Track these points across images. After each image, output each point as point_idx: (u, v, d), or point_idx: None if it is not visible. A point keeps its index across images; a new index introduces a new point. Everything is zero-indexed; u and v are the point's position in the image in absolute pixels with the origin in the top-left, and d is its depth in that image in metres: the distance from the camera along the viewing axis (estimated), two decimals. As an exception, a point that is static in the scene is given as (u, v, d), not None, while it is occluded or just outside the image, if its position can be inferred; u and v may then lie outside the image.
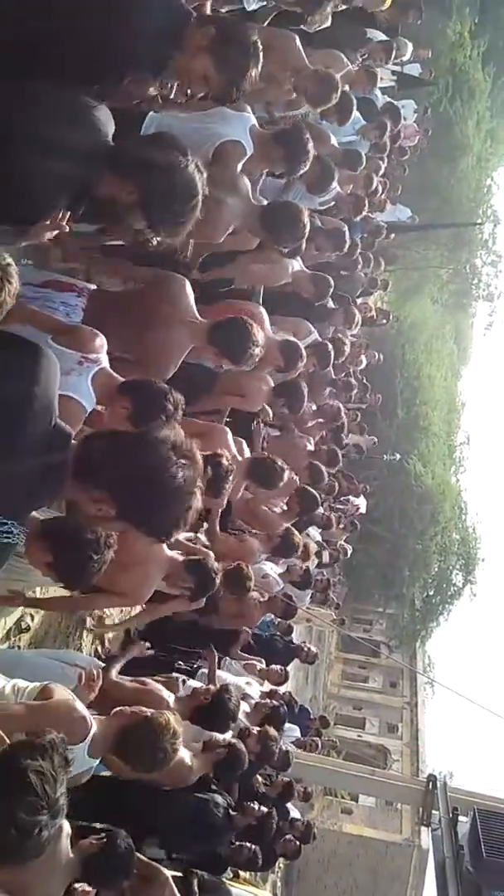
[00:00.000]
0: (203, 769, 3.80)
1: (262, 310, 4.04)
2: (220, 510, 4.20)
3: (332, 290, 5.08)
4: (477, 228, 23.66)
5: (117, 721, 2.75)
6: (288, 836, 5.81)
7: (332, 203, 5.74)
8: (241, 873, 5.72)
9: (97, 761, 2.68)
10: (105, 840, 2.88)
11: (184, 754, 3.55)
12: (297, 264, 4.61)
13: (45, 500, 1.73)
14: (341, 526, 9.83)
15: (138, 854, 3.76)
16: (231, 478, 3.57)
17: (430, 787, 7.59)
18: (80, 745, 2.48)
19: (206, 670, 4.95)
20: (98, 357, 2.43)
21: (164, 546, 3.49)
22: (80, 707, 2.51)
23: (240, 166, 3.32)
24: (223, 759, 3.85)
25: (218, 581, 3.67)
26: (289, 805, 5.98)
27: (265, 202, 4.10)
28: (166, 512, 1.69)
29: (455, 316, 31.38)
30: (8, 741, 1.96)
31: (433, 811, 7.30)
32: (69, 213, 1.84)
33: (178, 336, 3.01)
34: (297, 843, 5.82)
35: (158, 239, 1.99)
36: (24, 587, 3.78)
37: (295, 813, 6.17)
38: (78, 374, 2.31)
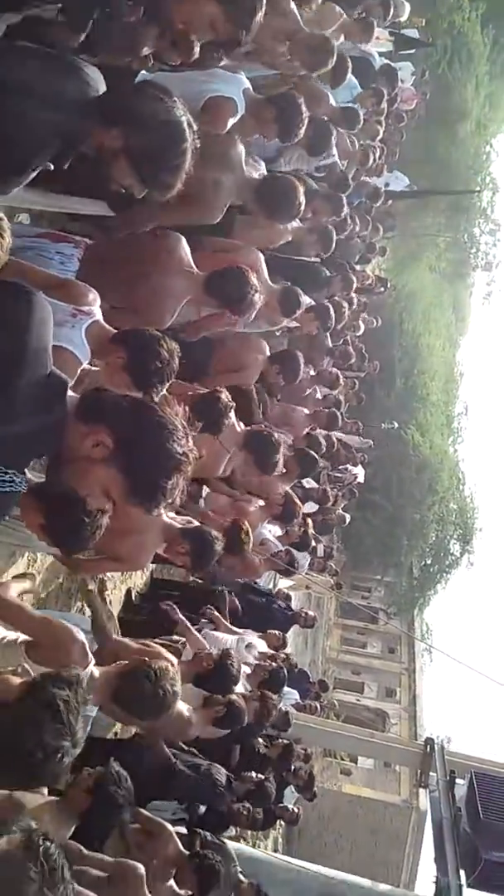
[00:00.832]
0: (203, 724, 3.82)
1: (260, 257, 3.99)
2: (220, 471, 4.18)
3: (334, 242, 5.00)
4: (475, 196, 23.38)
5: (117, 668, 2.78)
6: (286, 806, 5.97)
7: (334, 160, 5.65)
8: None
9: (97, 709, 2.68)
10: (95, 789, 2.95)
11: (183, 708, 3.61)
12: (295, 223, 4.56)
13: (44, 448, 1.71)
14: (340, 494, 9.88)
15: (142, 810, 3.87)
16: (231, 413, 3.54)
17: (428, 749, 7.73)
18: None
19: (208, 631, 5.01)
20: (91, 310, 2.40)
21: (163, 512, 3.50)
22: (80, 636, 2.57)
23: (230, 123, 3.26)
24: (223, 716, 3.89)
25: (218, 549, 3.66)
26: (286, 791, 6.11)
27: (261, 165, 4.06)
28: (159, 465, 1.68)
29: (453, 285, 31.15)
30: (33, 674, 2.03)
31: (431, 773, 7.45)
32: (54, 166, 1.80)
33: (174, 284, 2.98)
34: (296, 813, 6.00)
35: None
36: (27, 551, 3.83)
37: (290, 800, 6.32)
38: (71, 326, 2.28)
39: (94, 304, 2.43)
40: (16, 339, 1.59)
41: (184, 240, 3.11)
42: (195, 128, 1.93)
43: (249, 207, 3.68)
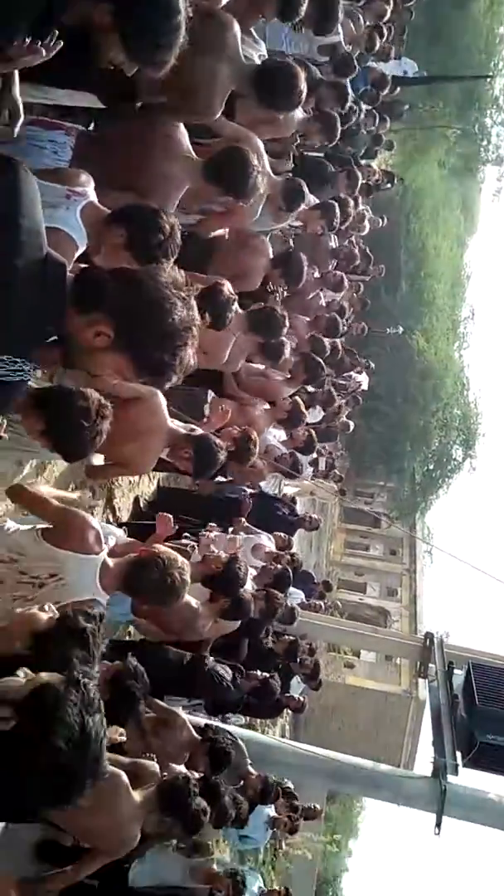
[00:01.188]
0: (210, 616, 3.93)
1: (261, 146, 3.80)
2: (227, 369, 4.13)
3: (340, 128, 4.74)
4: (487, 83, 22.05)
5: (127, 560, 2.86)
6: (293, 695, 6.29)
7: (338, 39, 5.29)
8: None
9: (107, 597, 2.77)
10: (113, 677, 3.10)
11: (191, 600, 3.72)
12: (299, 113, 4.30)
13: (49, 332, 1.66)
14: (344, 402, 9.86)
15: (157, 700, 4.08)
16: (234, 306, 3.47)
17: (428, 643, 8.05)
18: (91, 559, 2.63)
19: (216, 534, 5.12)
20: (85, 190, 2.31)
21: (165, 415, 3.49)
22: (95, 524, 2.65)
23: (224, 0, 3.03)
24: (229, 607, 4.00)
25: (221, 457, 3.66)
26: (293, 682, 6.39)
27: (262, 46, 3.79)
28: (164, 341, 1.64)
29: (462, 182, 29.89)
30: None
31: (430, 665, 7.79)
32: (39, 40, 1.67)
33: (173, 171, 2.83)
34: (301, 703, 6.31)
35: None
36: (34, 458, 3.85)
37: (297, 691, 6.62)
38: (66, 208, 2.19)
39: (88, 185, 2.34)
40: (5, 217, 1.52)
41: (181, 125, 2.93)
42: (189, 1, 1.80)
43: (246, 95, 3.44)
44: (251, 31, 3.58)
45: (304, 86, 3.40)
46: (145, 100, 2.84)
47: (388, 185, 10.70)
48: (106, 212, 2.35)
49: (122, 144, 2.80)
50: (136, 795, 3.08)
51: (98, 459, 3.51)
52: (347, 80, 5.85)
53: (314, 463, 8.10)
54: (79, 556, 2.61)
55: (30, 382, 1.81)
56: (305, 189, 4.37)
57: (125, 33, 1.73)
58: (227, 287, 3.40)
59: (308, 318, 6.59)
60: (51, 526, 2.66)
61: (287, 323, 4.37)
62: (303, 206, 4.46)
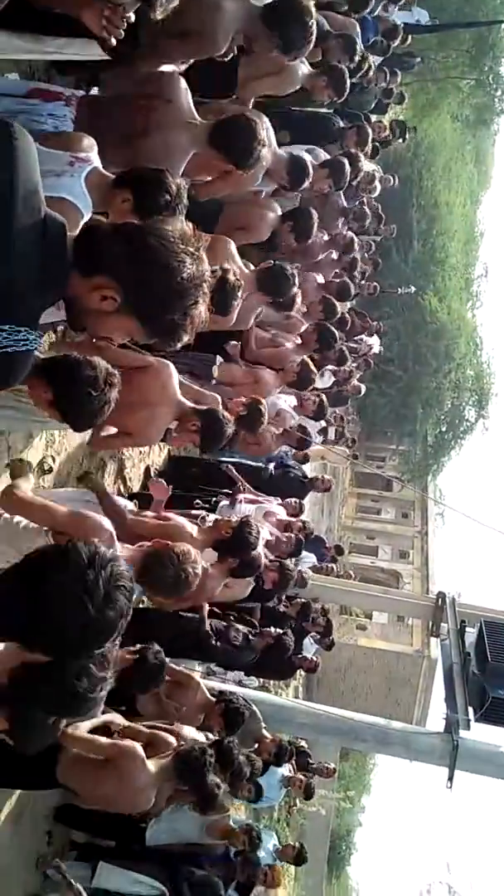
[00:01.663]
0: (220, 577, 3.91)
1: (267, 122, 3.69)
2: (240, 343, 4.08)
3: (348, 83, 4.60)
4: (502, 30, 21.25)
5: (141, 552, 2.89)
6: (305, 655, 6.37)
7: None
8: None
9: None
10: (137, 655, 3.16)
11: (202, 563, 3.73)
12: (304, 68, 4.16)
13: (51, 296, 1.60)
14: (354, 364, 9.76)
15: (171, 663, 4.14)
16: (239, 293, 3.43)
17: (440, 602, 8.12)
18: None
19: (225, 502, 5.14)
20: (89, 156, 2.26)
21: (175, 387, 3.46)
22: (108, 525, 2.66)
23: None
24: (238, 566, 3.94)
25: (228, 431, 3.63)
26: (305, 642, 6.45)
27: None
28: (173, 302, 1.59)
29: (476, 134, 29.07)
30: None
31: (442, 624, 7.86)
32: None
33: (177, 139, 2.75)
34: (315, 663, 6.39)
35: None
36: (42, 429, 3.85)
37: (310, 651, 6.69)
38: (70, 175, 2.14)
39: (92, 150, 2.29)
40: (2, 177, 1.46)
41: (182, 82, 2.84)
42: None
43: (255, 34, 3.30)
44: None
45: (314, 22, 3.27)
46: (149, 38, 2.75)
47: (400, 140, 10.43)
48: (110, 177, 2.30)
49: (123, 114, 2.72)
50: (152, 765, 3.15)
51: (110, 431, 3.50)
52: (357, 29, 5.67)
53: (323, 431, 8.06)
54: None
55: (35, 353, 1.77)
56: (310, 166, 4.26)
57: None
58: (233, 274, 3.34)
59: (319, 277, 6.49)
60: (59, 533, 2.64)
61: (297, 280, 4.30)
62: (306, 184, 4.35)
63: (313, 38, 3.29)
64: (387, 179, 9.48)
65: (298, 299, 4.62)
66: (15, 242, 1.48)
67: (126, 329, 1.66)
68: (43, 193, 1.56)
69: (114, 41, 2.01)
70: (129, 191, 2.27)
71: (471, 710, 6.23)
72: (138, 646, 3.23)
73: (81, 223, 2.12)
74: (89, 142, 2.30)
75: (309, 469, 7.90)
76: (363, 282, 9.54)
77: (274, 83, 4.00)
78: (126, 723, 3.48)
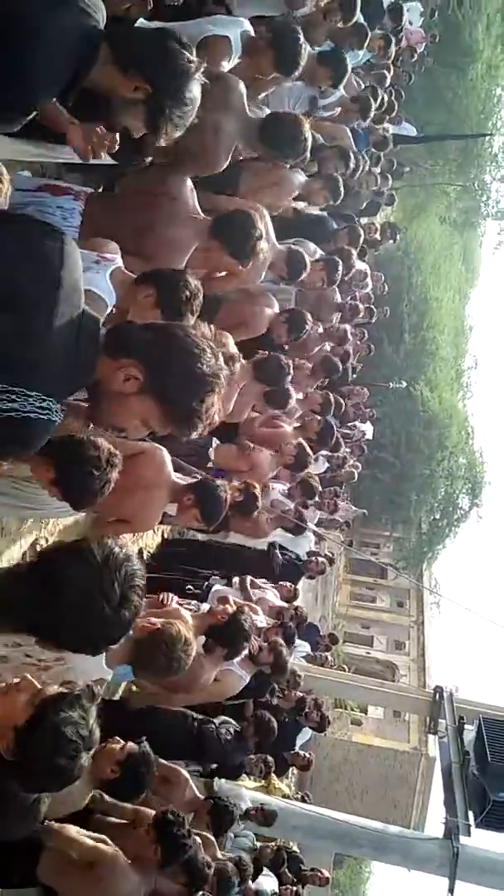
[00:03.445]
0: (213, 666, 3.83)
1: (266, 215, 3.91)
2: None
3: (343, 193, 4.90)
4: (486, 142, 22.69)
5: (133, 636, 2.85)
6: (298, 752, 6.12)
7: (341, 94, 5.50)
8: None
9: (111, 672, 2.76)
10: (123, 764, 3.04)
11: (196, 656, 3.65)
12: (301, 177, 4.44)
13: (81, 379, 1.71)
14: (348, 450, 9.87)
15: (160, 759, 3.99)
16: (235, 365, 3.53)
17: (437, 697, 7.89)
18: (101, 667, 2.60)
19: (217, 587, 5.07)
20: (115, 257, 2.44)
21: (169, 470, 3.50)
22: None
23: (225, 64, 3.17)
24: (224, 628, 3.87)
25: (226, 498, 3.65)
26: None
27: (265, 111, 3.94)
28: (192, 389, 1.69)
29: (463, 235, 30.56)
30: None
31: (440, 720, 7.61)
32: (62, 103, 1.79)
33: (180, 235, 2.91)
34: (308, 759, 6.14)
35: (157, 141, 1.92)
36: (37, 517, 3.85)
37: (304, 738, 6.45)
38: (96, 272, 2.30)
39: (117, 253, 2.47)
40: (51, 273, 1.61)
41: (188, 181, 3.04)
42: (202, 65, 1.94)
43: (253, 148, 3.56)
44: (256, 99, 3.72)
45: (308, 133, 3.53)
46: (153, 154, 2.96)
47: (391, 241, 10.94)
48: (132, 276, 2.46)
49: (130, 209, 2.90)
50: (133, 872, 3.01)
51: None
52: (347, 132, 6.07)
53: (319, 505, 8.03)
54: (86, 658, 2.58)
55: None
56: (307, 259, 4.48)
57: (154, 111, 1.87)
58: (231, 345, 3.46)
59: (310, 365, 6.65)
60: None
61: (291, 371, 4.44)
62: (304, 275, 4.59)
63: (308, 151, 3.54)
64: (378, 277, 9.88)
65: (292, 399, 4.75)
66: (55, 327, 1.60)
67: (145, 413, 1.73)
68: (83, 291, 1.71)
69: (92, 160, 2.19)
70: (153, 287, 2.41)
71: (471, 814, 5.97)
72: (125, 743, 3.11)
73: (106, 312, 2.26)
74: (114, 246, 2.47)
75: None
76: (356, 368, 9.74)
77: (274, 193, 4.27)
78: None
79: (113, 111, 1.86)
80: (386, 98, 7.43)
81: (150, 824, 3.13)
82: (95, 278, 2.27)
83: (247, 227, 3.09)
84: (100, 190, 3.34)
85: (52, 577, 1.65)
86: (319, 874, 6.52)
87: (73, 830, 3.06)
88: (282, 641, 4.65)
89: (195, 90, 1.92)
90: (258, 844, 5.47)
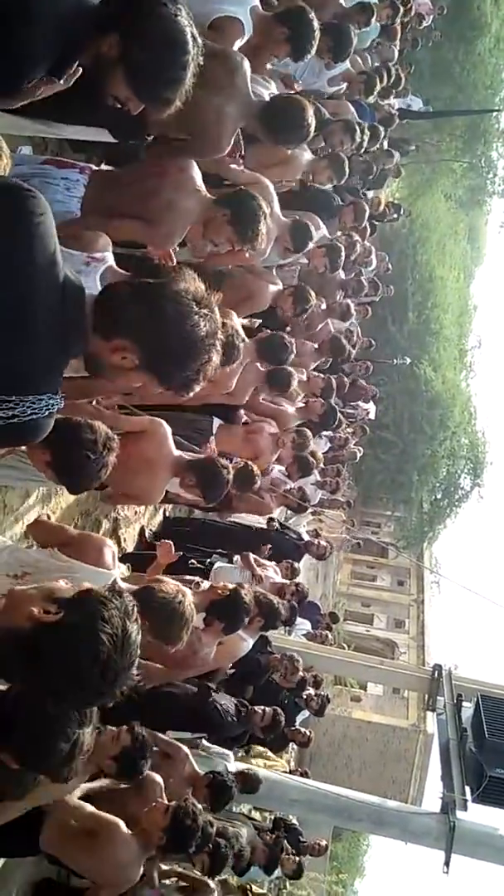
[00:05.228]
0: (213, 641, 3.86)
1: (272, 191, 3.85)
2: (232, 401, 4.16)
3: (348, 172, 4.85)
4: (493, 118, 22.36)
5: (138, 585, 2.85)
6: (298, 729, 6.20)
7: (346, 67, 5.40)
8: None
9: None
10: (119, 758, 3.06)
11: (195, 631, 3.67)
12: (307, 154, 4.38)
13: (70, 357, 1.68)
14: (350, 430, 9.86)
15: (159, 734, 4.03)
16: (240, 343, 3.51)
17: (436, 675, 7.94)
18: (105, 573, 2.62)
19: (221, 564, 5.09)
20: (104, 255, 2.38)
21: (171, 446, 3.50)
22: (112, 545, 2.69)
23: (237, 45, 3.09)
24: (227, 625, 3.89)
25: (228, 479, 3.65)
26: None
27: (272, 84, 3.86)
28: (188, 362, 1.67)
29: (469, 213, 30.21)
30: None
31: (438, 697, 7.67)
32: (53, 79, 1.69)
33: (185, 203, 2.86)
34: (308, 736, 6.22)
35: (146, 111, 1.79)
36: (42, 489, 3.86)
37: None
38: (86, 275, 2.23)
39: (107, 250, 2.40)
40: (19, 247, 1.51)
41: (195, 163, 2.99)
42: (199, 41, 1.77)
43: (255, 132, 3.49)
44: (261, 70, 3.65)
45: (312, 119, 3.44)
46: (156, 132, 2.90)
47: (395, 217, 10.82)
48: (124, 274, 2.40)
49: (136, 180, 2.85)
50: (134, 842, 3.05)
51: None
52: (350, 108, 5.98)
53: (322, 484, 8.06)
54: (93, 568, 2.61)
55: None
56: (313, 230, 4.43)
57: (132, 70, 1.69)
58: (233, 322, 3.44)
59: (315, 345, 6.63)
60: (66, 544, 2.67)
61: (294, 350, 4.42)
62: (310, 244, 4.54)
63: (311, 132, 3.45)
64: (382, 257, 9.79)
65: (295, 381, 4.73)
66: (38, 321, 1.55)
67: (143, 381, 1.73)
68: (61, 257, 1.63)
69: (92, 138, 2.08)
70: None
71: (468, 789, 6.03)
72: (118, 733, 3.12)
73: None
74: (105, 241, 2.41)
75: (304, 533, 7.87)
76: (359, 346, 9.70)
77: (280, 172, 4.22)
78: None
79: (99, 83, 1.75)
80: (393, 72, 7.31)
81: (165, 810, 3.12)
82: (85, 281, 2.25)
83: (252, 210, 3.03)
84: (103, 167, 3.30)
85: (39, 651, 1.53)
86: (318, 844, 6.63)
87: (73, 799, 3.10)
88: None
89: (177, 35, 1.69)
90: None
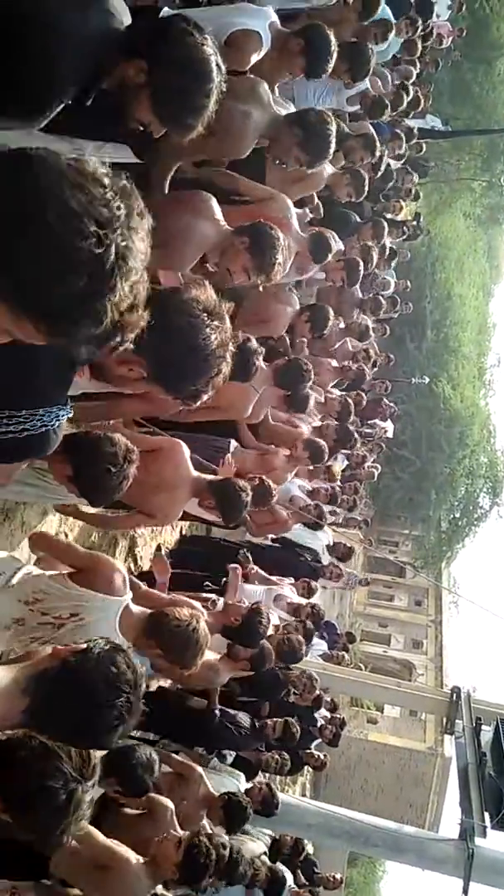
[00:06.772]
0: (229, 673, 3.86)
1: (290, 206, 3.84)
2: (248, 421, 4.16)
3: (367, 187, 4.85)
4: (513, 137, 22.42)
5: (152, 605, 2.83)
6: (312, 752, 6.10)
7: (365, 86, 5.43)
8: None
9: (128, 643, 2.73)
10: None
11: (210, 657, 3.65)
12: (328, 168, 4.39)
13: (78, 366, 1.68)
14: (368, 448, 9.80)
15: (173, 755, 3.99)
16: (260, 358, 3.50)
17: (455, 697, 7.82)
18: (115, 601, 2.59)
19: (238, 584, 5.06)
20: None
21: (189, 466, 3.49)
22: (122, 568, 2.64)
23: (254, 59, 3.12)
24: (252, 663, 3.90)
25: (247, 501, 3.63)
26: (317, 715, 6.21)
27: (290, 106, 3.89)
28: (197, 375, 1.67)
29: (488, 231, 30.19)
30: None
31: (457, 720, 7.55)
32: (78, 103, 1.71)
33: (203, 229, 2.85)
34: (322, 760, 6.13)
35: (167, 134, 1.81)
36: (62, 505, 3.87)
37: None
38: None
39: None
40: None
41: (213, 197, 3.01)
42: (223, 68, 1.80)
43: (279, 141, 3.49)
44: (277, 91, 3.67)
45: (334, 137, 3.46)
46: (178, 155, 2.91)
47: (417, 232, 10.80)
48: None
49: (154, 206, 2.87)
50: (145, 875, 3.00)
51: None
52: (370, 129, 6.00)
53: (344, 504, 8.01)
54: (103, 597, 2.59)
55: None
56: (332, 241, 4.43)
57: (157, 96, 1.72)
58: (253, 340, 3.43)
59: (334, 364, 6.62)
60: (77, 570, 2.65)
61: (312, 375, 4.41)
62: (329, 257, 4.54)
63: (333, 146, 3.47)
64: (400, 284, 9.77)
65: (312, 400, 4.73)
66: None
67: (151, 390, 1.77)
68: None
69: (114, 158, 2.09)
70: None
71: (487, 815, 5.91)
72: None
73: None
74: None
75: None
76: (377, 368, 9.68)
77: (302, 188, 4.23)
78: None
79: (124, 107, 1.77)
80: (412, 91, 7.34)
81: (178, 843, 3.08)
82: None
83: (270, 243, 3.00)
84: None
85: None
86: (333, 877, 6.50)
87: (86, 827, 3.05)
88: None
89: (202, 65, 1.72)
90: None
